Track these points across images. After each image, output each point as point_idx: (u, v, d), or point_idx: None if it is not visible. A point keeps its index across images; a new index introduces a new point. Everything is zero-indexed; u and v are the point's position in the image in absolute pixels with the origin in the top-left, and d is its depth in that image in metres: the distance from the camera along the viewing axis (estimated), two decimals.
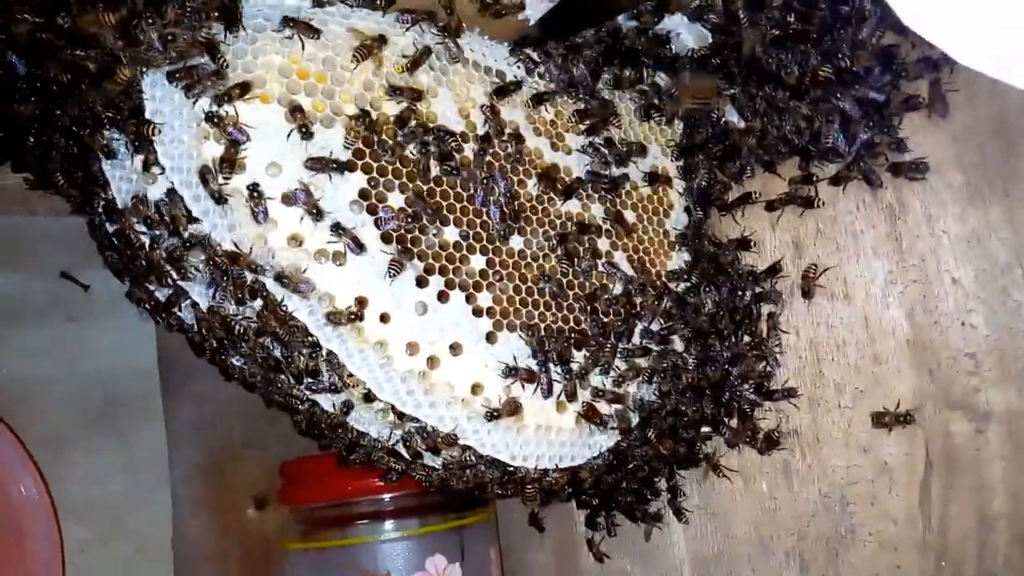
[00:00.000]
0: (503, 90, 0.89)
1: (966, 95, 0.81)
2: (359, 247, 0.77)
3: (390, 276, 0.79)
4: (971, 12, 0.52)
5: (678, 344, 0.96)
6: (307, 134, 0.76)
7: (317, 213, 0.76)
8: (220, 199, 0.73)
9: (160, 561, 1.35)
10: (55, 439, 1.25)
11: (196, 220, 0.75)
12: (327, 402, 0.83)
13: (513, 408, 0.82)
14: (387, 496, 1.12)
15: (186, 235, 0.75)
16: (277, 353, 0.80)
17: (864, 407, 0.88)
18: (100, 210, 0.81)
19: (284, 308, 0.76)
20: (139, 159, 0.76)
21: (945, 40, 0.53)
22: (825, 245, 0.91)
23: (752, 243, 0.95)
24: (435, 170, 0.84)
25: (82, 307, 1.31)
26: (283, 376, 0.81)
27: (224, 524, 1.37)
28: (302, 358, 0.79)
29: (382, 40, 0.82)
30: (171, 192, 0.75)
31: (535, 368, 0.85)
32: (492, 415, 0.81)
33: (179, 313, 0.83)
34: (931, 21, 0.53)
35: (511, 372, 0.84)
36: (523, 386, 0.85)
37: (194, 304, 0.80)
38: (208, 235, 0.75)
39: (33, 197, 0.95)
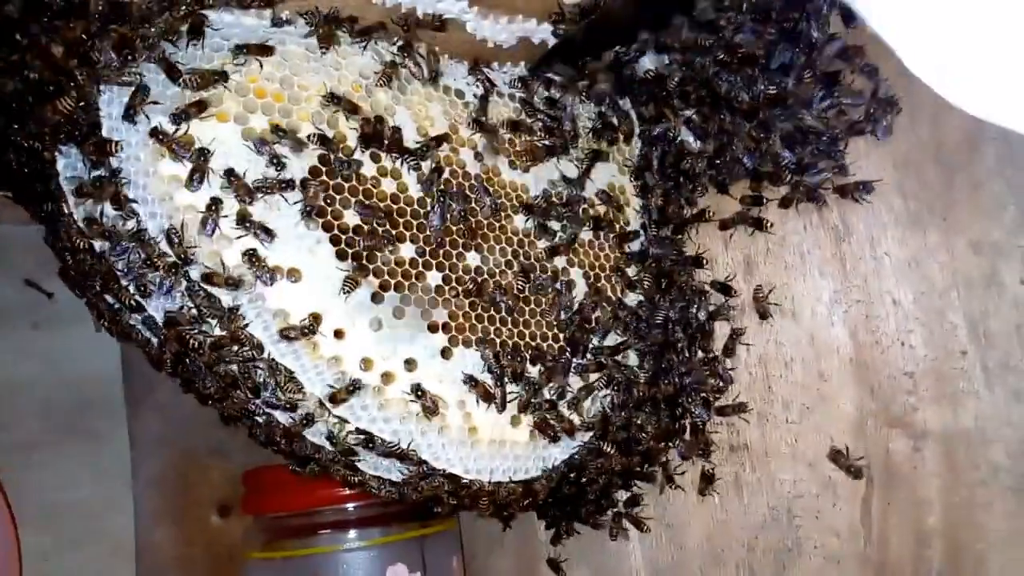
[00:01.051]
0: (482, 125, 0.91)
1: (908, 120, 0.84)
2: (268, 235, 0.77)
3: (344, 293, 0.80)
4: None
5: (632, 358, 0.98)
6: (279, 164, 0.78)
7: (266, 233, 0.77)
8: (186, 260, 0.74)
9: (125, 568, 1.35)
10: (21, 446, 1.25)
11: (148, 236, 0.76)
12: (283, 416, 0.84)
13: (433, 409, 0.83)
14: (350, 506, 1.13)
15: (143, 255, 0.76)
16: (233, 367, 0.81)
17: (810, 423, 0.91)
18: (59, 226, 0.82)
19: (239, 324, 0.77)
20: (96, 174, 0.76)
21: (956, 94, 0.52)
22: (774, 263, 0.93)
23: (705, 261, 0.97)
24: (392, 187, 0.85)
25: (46, 314, 1.31)
26: (239, 391, 0.82)
27: (188, 532, 1.37)
28: (259, 372, 0.80)
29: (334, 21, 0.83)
30: (126, 207, 0.76)
31: (490, 383, 0.87)
32: (416, 392, 0.83)
33: (137, 327, 0.84)
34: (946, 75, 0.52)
35: (471, 381, 0.85)
36: (477, 401, 0.87)
37: (149, 319, 0.81)
38: (163, 251, 0.76)
39: None
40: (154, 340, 0.83)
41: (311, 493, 1.12)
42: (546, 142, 0.94)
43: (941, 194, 0.80)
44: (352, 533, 1.13)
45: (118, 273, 0.78)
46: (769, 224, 0.90)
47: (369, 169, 0.84)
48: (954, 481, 0.79)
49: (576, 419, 0.93)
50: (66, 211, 0.80)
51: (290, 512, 1.16)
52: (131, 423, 1.37)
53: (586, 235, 0.98)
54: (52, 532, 1.27)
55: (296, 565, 1.13)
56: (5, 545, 1.04)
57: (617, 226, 1.00)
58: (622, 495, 1.05)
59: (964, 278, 0.79)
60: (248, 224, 0.76)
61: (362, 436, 0.83)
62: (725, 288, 0.96)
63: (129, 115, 0.73)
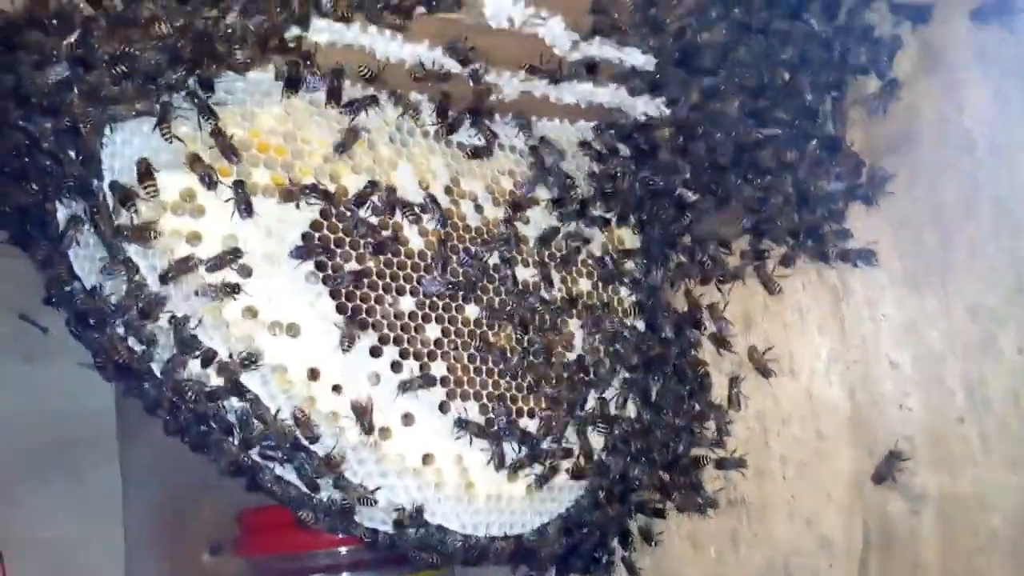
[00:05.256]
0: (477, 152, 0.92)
1: (908, 182, 0.84)
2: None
3: (343, 349, 0.80)
4: None
5: (631, 410, 0.98)
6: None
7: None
8: (165, 278, 0.74)
9: None
10: (7, 480, 1.24)
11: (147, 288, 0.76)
12: (279, 468, 0.83)
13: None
14: (343, 549, 1.13)
15: (140, 306, 0.75)
16: (231, 418, 0.81)
17: (807, 480, 0.91)
18: (55, 270, 0.82)
19: (239, 379, 0.77)
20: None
21: None
22: (772, 320, 0.94)
23: (702, 323, 0.98)
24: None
25: (39, 348, 1.30)
26: (232, 442, 0.82)
27: (178, 569, 1.36)
28: (255, 424, 0.80)
29: None
30: (127, 263, 0.75)
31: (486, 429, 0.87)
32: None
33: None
34: None
35: (462, 425, 0.85)
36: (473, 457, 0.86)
37: (147, 369, 0.81)
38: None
39: None
40: (151, 389, 0.83)
41: (305, 536, 1.12)
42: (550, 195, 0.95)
43: (939, 257, 0.81)
44: None
45: (111, 320, 0.78)
46: (779, 288, 0.90)
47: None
48: (952, 547, 0.79)
49: (572, 472, 0.92)
50: (62, 257, 0.80)
51: (283, 554, 1.15)
52: (122, 459, 1.36)
53: (585, 286, 0.98)
54: (37, 568, 1.25)
55: None
56: None
57: (615, 278, 1.00)
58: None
59: (962, 344, 0.79)
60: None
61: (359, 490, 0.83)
62: (723, 342, 0.96)
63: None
